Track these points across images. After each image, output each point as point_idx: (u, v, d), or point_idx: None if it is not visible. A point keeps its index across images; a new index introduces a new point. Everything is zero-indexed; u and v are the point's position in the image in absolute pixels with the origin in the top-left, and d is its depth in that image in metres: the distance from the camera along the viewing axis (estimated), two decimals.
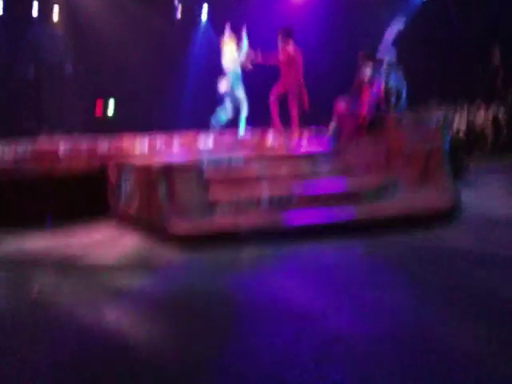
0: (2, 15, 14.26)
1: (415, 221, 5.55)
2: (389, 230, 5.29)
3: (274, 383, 2.35)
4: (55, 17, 14.64)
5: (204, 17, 15.54)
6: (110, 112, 14.94)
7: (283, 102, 8.28)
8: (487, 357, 2.58)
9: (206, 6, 15.34)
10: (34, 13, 14.47)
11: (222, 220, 5.50)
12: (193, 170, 5.82)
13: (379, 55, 7.85)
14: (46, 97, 14.34)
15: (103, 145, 7.05)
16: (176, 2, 15.19)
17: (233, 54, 8.40)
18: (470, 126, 11.25)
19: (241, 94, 8.35)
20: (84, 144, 7.57)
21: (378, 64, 7.81)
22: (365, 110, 7.25)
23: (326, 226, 5.34)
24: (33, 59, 14.54)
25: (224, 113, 8.36)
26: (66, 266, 4.70)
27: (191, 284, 4.01)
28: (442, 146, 7.03)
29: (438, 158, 6.97)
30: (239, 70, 8.37)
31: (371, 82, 7.39)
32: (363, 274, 4.17)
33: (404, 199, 6.37)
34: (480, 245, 4.81)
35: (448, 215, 5.86)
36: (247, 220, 5.42)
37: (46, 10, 14.52)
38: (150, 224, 5.63)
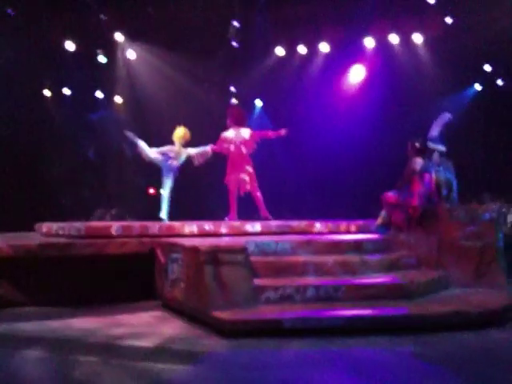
0: (70, 96, 15.25)
1: (467, 319, 5.32)
2: (440, 328, 5.10)
3: None
4: (118, 100, 15.55)
5: (258, 104, 16.16)
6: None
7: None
8: None
9: (258, 101, 15.99)
10: (99, 95, 15.43)
11: (267, 310, 5.41)
12: (240, 253, 5.82)
13: (429, 146, 7.87)
14: (105, 177, 15.00)
15: (154, 224, 7.19)
16: (232, 89, 15.89)
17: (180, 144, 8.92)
18: None
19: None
20: (136, 223, 7.74)
21: (428, 155, 7.81)
22: (416, 200, 7.19)
23: (374, 321, 5.17)
24: (94, 141, 15.36)
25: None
26: (109, 348, 4.69)
27: (232, 379, 3.89)
28: (496, 241, 6.83)
29: (492, 255, 6.76)
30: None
31: (422, 173, 7.37)
32: (413, 375, 3.97)
33: (456, 296, 6.16)
34: None
35: (502, 315, 5.61)
36: (293, 311, 5.32)
37: (108, 93, 15.45)
38: (195, 309, 5.59)
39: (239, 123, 9.02)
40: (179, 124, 9.18)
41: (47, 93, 15.18)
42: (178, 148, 8.91)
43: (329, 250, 6.63)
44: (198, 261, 5.60)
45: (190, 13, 13.78)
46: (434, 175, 7.54)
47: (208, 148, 9.02)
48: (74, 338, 5.01)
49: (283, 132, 8.94)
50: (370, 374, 3.99)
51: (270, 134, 9.18)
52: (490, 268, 6.73)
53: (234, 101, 15.90)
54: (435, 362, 4.24)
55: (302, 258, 6.38)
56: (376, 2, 13.18)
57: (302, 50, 15.09)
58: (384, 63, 14.49)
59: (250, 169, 8.84)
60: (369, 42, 14.58)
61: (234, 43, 14.91)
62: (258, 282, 5.78)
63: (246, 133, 8.95)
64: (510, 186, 12.20)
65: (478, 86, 15.12)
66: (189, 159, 9.03)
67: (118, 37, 14.33)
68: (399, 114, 14.00)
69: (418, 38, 14.33)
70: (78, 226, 6.98)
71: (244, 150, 8.83)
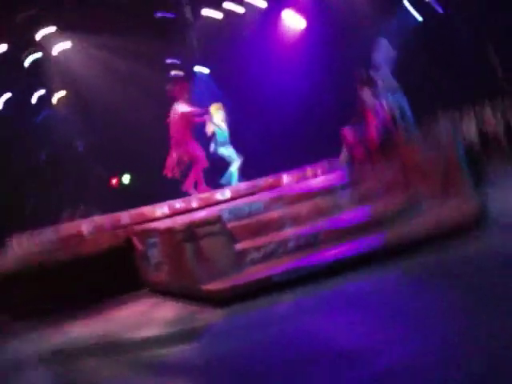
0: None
1: (444, 234, 5.47)
2: (420, 249, 5.22)
3: None
4: (59, 96, 15.10)
5: (201, 70, 15.89)
6: (126, 181, 15.30)
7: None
8: None
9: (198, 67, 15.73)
10: (33, 100, 14.95)
11: (253, 270, 5.48)
12: (215, 224, 5.84)
13: (372, 74, 7.89)
14: (64, 177, 14.66)
15: (124, 214, 7.14)
16: (168, 61, 15.56)
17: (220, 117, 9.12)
18: (481, 128, 11.20)
19: (226, 152, 8.92)
20: (105, 217, 7.66)
21: (374, 85, 7.87)
22: (373, 133, 7.27)
23: (357, 258, 5.28)
24: (44, 142, 14.94)
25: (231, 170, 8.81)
26: (111, 345, 4.70)
27: (234, 346, 3.93)
28: (457, 154, 6.98)
29: (456, 167, 6.90)
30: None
31: (373, 103, 7.43)
32: (405, 293, 4.12)
33: (429, 215, 6.30)
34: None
35: (475, 223, 5.77)
36: (278, 266, 5.40)
37: (48, 91, 14.97)
38: (182, 288, 5.63)
39: (178, 97, 8.91)
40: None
41: None
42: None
43: (300, 199, 6.69)
44: (176, 240, 5.61)
45: None
46: (385, 104, 7.62)
47: None
48: (75, 343, 4.99)
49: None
50: (364, 303, 4.11)
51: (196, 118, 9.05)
52: (455, 181, 6.86)
53: (174, 72, 15.62)
54: (422, 278, 4.38)
55: (276, 213, 6.44)
56: None
57: (229, 6, 14.83)
58: (317, 2, 14.36)
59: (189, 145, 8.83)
60: None
61: (159, 14, 14.56)
62: (239, 246, 5.83)
63: (181, 108, 8.80)
64: (462, 96, 12.40)
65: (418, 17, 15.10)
66: None
67: (46, 31, 13.80)
68: (342, 50, 13.96)
69: None
70: (49, 233, 6.89)
71: (180, 124, 8.71)
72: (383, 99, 7.62)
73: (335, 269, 5.12)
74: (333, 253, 5.41)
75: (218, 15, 14.74)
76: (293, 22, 15.09)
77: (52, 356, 4.85)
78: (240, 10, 14.69)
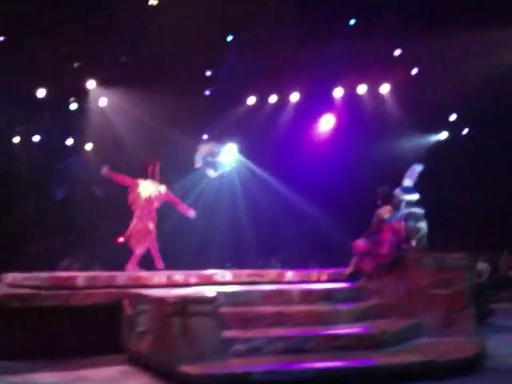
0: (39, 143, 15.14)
1: (439, 368, 5.28)
2: (411, 378, 5.03)
3: None
4: (87, 147, 15.48)
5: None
6: None
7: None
8: None
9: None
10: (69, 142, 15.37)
11: (237, 362, 5.27)
12: (209, 304, 5.70)
13: (399, 194, 7.93)
14: (73, 225, 14.72)
15: (122, 274, 7.04)
16: (205, 136, 15.96)
17: None
18: (495, 268, 11.09)
19: None
20: (103, 273, 7.58)
21: (397, 203, 7.88)
22: (385, 248, 7.22)
23: (343, 373, 5.08)
24: (65, 183, 15.19)
25: None
26: None
27: None
28: (465, 288, 6.87)
29: (462, 302, 6.79)
30: None
31: (390, 221, 7.43)
32: None
33: (426, 345, 6.12)
34: None
35: (472, 362, 5.57)
36: (262, 363, 5.19)
37: (79, 140, 15.40)
38: (162, 363, 5.41)
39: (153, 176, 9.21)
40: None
41: (16, 140, 15.02)
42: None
43: (300, 300, 6.58)
44: (166, 312, 5.47)
45: (164, 61, 13.97)
46: (402, 223, 7.59)
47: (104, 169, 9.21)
48: None
49: (191, 214, 9.32)
50: None
51: (180, 206, 9.38)
52: (459, 315, 6.74)
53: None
54: None
55: (272, 308, 6.30)
56: (345, 55, 13.65)
57: (273, 99, 15.43)
58: (352, 112, 14.86)
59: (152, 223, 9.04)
60: (338, 92, 15.00)
61: (207, 92, 15.16)
62: (227, 333, 5.65)
63: (162, 188, 9.17)
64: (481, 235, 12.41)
65: (444, 135, 15.57)
66: None
67: (91, 84, 14.38)
68: (368, 161, 14.24)
69: (385, 89, 14.79)
70: (43, 276, 6.80)
71: (156, 203, 9.05)
72: (403, 219, 7.60)
73: (318, 381, 4.92)
74: (319, 364, 5.20)
75: (252, 101, 15.33)
76: (327, 123, 15.59)
77: None
78: (273, 99, 15.31)
